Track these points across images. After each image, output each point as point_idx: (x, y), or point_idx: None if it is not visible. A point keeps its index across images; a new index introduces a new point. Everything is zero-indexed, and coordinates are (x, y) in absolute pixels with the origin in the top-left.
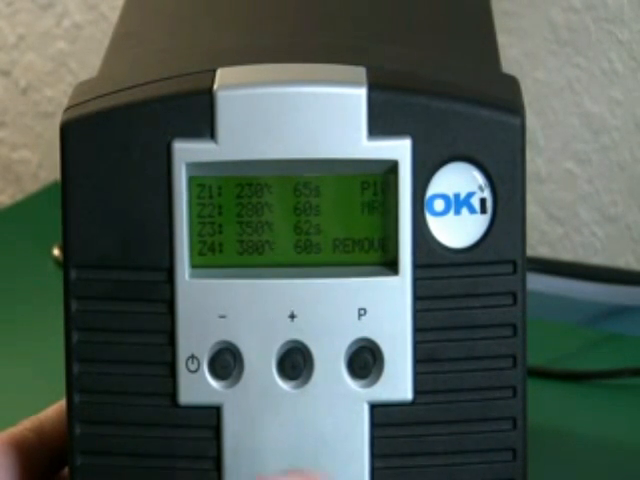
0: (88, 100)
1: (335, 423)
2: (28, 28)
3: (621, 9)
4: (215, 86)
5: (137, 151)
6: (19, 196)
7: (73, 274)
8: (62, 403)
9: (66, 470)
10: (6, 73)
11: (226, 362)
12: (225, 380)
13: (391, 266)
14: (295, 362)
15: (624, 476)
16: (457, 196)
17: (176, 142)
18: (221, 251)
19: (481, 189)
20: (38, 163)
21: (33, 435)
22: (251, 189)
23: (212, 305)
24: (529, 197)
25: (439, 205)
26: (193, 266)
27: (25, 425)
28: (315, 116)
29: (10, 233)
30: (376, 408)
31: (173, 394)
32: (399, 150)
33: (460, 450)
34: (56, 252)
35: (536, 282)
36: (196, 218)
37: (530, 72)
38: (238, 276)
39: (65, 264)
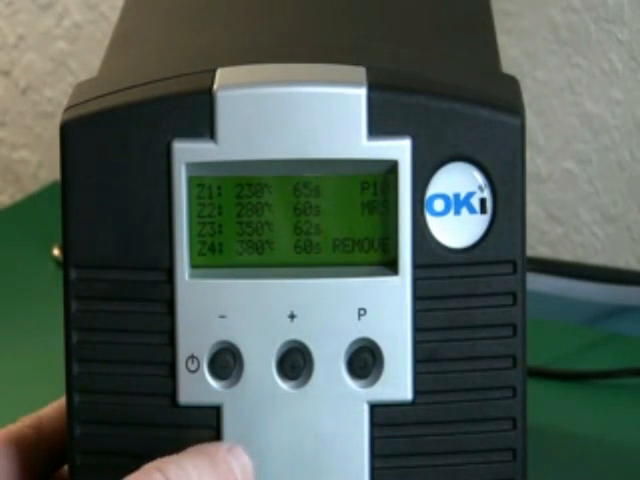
0: (88, 100)
1: (335, 423)
2: (28, 28)
3: (621, 9)
4: (215, 86)
5: (137, 151)
6: (19, 196)
7: (73, 274)
8: (62, 401)
9: (65, 468)
10: (6, 73)
11: (226, 362)
12: (225, 380)
13: (391, 266)
14: (295, 362)
15: (624, 476)
16: (457, 196)
17: (176, 142)
18: (221, 251)
19: (481, 189)
20: (38, 163)
21: (32, 432)
22: (251, 189)
23: (212, 305)
24: (529, 197)
25: (439, 205)
26: (193, 266)
27: (24, 422)
28: (315, 116)
29: (10, 233)
30: (376, 408)
31: (173, 394)
32: (399, 150)
33: (460, 450)
34: (56, 252)
35: (536, 282)
36: (196, 218)
37: (530, 72)
38: (238, 276)
39: (65, 264)
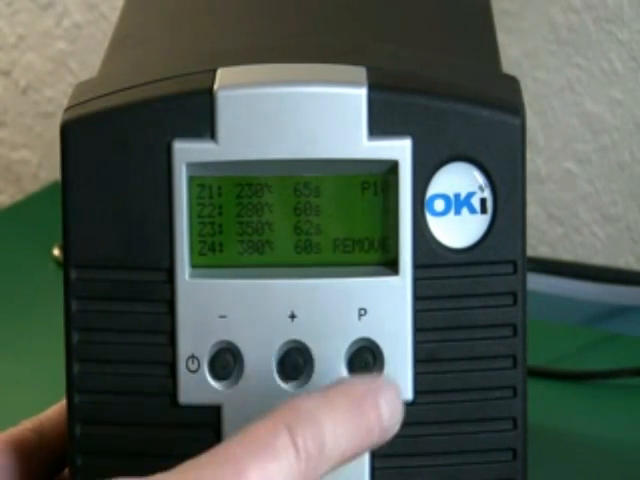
0: (88, 100)
1: None
2: (28, 28)
3: (621, 9)
4: (215, 86)
5: (137, 151)
6: (19, 196)
7: (73, 274)
8: (63, 403)
9: (67, 471)
10: (6, 73)
11: (226, 362)
12: (225, 380)
13: (391, 266)
14: (295, 362)
15: (624, 476)
16: (457, 196)
17: (176, 142)
18: (221, 251)
19: (481, 189)
20: (38, 163)
21: (34, 435)
22: (251, 189)
23: (212, 305)
24: (529, 197)
25: (439, 205)
26: (193, 266)
27: (26, 425)
28: (315, 116)
29: (10, 233)
30: None
31: (173, 394)
32: (399, 150)
33: (460, 450)
34: (56, 252)
35: (536, 282)
36: (196, 218)
37: (530, 72)
38: (238, 276)
39: (65, 264)
